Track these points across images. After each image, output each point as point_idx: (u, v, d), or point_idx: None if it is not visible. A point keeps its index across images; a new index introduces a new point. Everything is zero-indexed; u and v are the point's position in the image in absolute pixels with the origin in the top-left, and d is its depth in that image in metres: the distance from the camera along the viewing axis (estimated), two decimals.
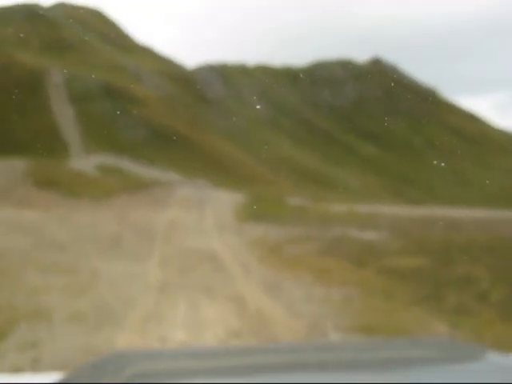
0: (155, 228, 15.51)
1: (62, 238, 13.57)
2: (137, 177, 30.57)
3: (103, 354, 1.50)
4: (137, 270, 10.24)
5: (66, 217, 16.53)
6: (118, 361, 1.37)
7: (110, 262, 11.11)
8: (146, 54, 70.44)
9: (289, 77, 73.76)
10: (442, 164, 67.12)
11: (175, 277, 9.60)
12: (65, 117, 46.40)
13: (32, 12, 61.77)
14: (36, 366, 5.39)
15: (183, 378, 1.25)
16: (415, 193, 60.46)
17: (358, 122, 69.20)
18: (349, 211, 21.81)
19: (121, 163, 35.88)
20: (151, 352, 1.77)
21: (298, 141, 62.86)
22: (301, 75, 74.39)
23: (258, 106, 66.63)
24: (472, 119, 78.95)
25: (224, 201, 23.35)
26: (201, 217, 18.44)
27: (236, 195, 25.59)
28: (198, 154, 42.43)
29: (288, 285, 9.07)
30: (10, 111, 41.60)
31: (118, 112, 46.35)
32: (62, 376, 1.35)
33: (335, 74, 74.52)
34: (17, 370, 5.19)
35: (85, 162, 34.53)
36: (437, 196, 56.91)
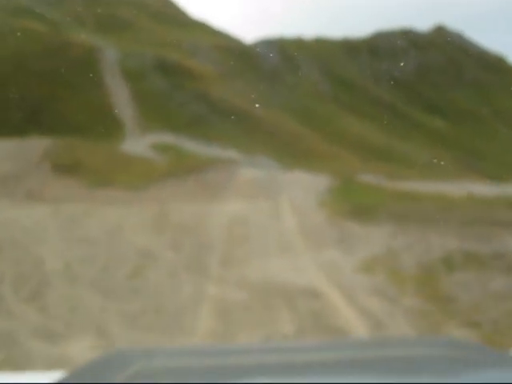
0: (208, 237, 9.18)
1: (55, 261, 7.43)
2: (194, 155, 25.10)
3: (104, 352, 1.32)
4: None
5: (79, 217, 10.42)
6: (120, 359, 1.28)
7: (112, 336, 4.82)
8: (203, 29, 64.71)
9: (348, 49, 66.79)
10: None
11: None
12: (120, 96, 42.23)
13: None
14: None
15: (185, 377, 1.16)
16: (487, 166, 53.18)
17: (423, 94, 61.61)
18: (469, 196, 14.93)
19: (178, 141, 31.06)
20: (153, 350, 1.44)
21: (361, 115, 56.36)
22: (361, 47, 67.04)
23: (317, 80, 60.11)
24: None
25: (299, 185, 16.76)
26: (276, 213, 11.89)
27: (311, 176, 18.97)
28: (258, 129, 37.06)
29: None
30: (65, 92, 37.59)
31: (174, 88, 42.53)
32: (63, 375, 1.26)
33: (397, 44, 66.73)
34: None
35: (139, 141, 30.17)
36: (510, 168, 49.82)
